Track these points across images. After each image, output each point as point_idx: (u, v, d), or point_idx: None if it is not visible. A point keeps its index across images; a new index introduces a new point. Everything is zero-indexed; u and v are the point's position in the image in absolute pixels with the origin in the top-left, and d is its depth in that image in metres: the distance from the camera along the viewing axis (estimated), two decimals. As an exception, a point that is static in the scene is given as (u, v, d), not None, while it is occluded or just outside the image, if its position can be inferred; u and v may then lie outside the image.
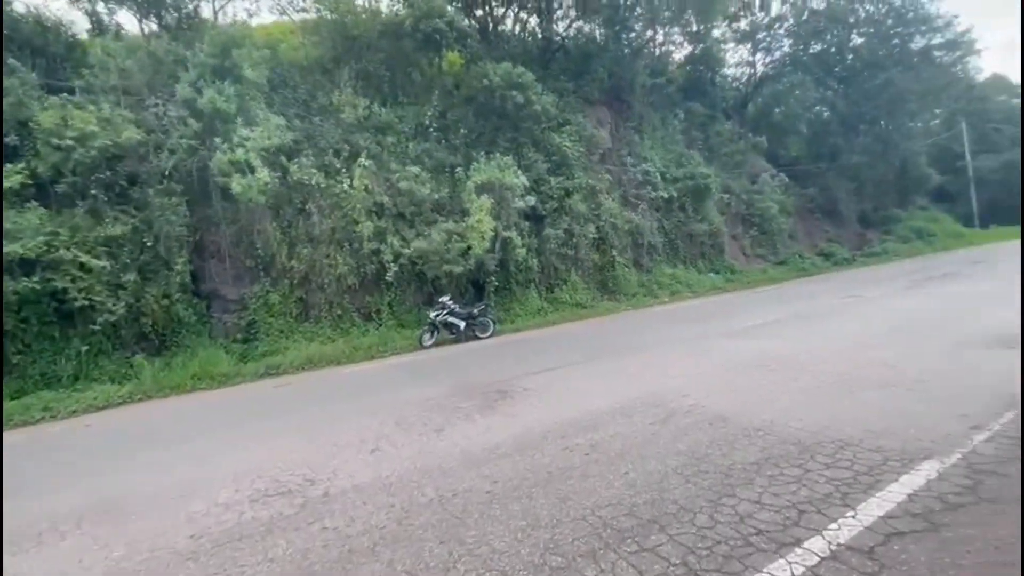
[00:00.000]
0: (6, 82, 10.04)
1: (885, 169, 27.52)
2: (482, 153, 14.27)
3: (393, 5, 15.81)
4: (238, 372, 10.02)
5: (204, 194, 11.25)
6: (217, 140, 10.77)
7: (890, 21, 26.33)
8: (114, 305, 9.73)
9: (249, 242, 11.67)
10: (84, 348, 9.66)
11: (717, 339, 8.08)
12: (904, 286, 12.17)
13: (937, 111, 33.06)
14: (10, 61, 10.56)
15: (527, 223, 14.57)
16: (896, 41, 26.65)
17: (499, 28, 19.02)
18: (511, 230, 13.52)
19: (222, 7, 15.10)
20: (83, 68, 11.05)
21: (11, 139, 9.94)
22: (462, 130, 14.91)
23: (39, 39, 12.15)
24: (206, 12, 14.83)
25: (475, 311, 11.66)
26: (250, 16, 15.84)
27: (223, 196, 11.07)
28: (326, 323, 11.95)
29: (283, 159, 11.93)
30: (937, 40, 27.29)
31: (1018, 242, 23.96)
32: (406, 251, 12.25)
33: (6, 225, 8.99)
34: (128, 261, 10.17)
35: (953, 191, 32.95)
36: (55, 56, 12.15)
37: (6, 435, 7.52)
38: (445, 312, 11.31)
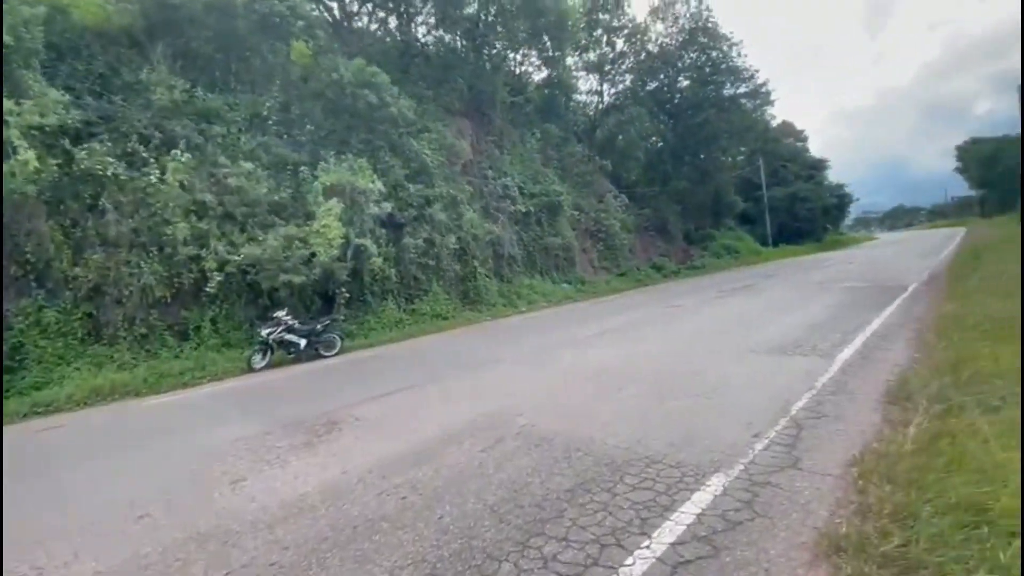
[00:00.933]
0: None
1: (703, 195, 32.28)
2: (332, 153, 13.22)
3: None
4: (-14, 413, 7.69)
5: (-64, 180, 8.53)
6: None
7: (708, 69, 31.01)
8: None
9: (14, 244, 9.15)
10: None
11: (559, 349, 8.39)
12: (713, 296, 14.13)
13: (742, 148, 39.80)
14: None
15: (384, 231, 13.85)
16: (712, 87, 31.50)
17: (354, 24, 18.00)
18: (365, 237, 12.69)
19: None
20: None
21: None
22: (309, 126, 13.67)
23: None
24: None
25: (319, 327, 10.60)
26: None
27: (-31, 184, 8.50)
28: (124, 345, 9.86)
29: (66, 143, 9.64)
30: (743, 89, 32.95)
31: (797, 258, 29.98)
32: (235, 258, 10.68)
33: None
34: None
35: (753, 215, 39.91)
36: None
37: None
38: (281, 329, 10.07)
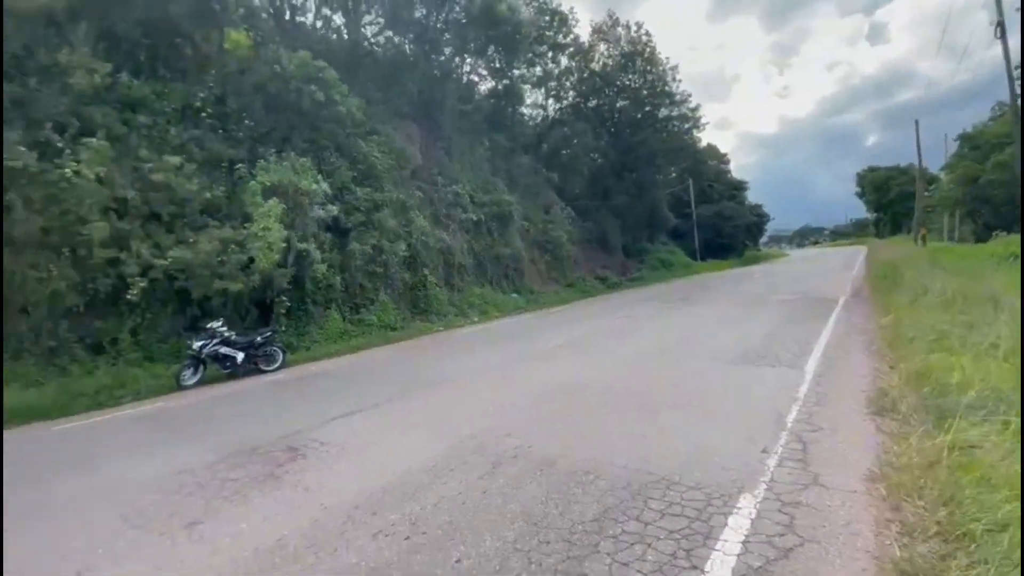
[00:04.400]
0: None
1: (641, 209, 33.69)
2: (272, 151, 12.30)
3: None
4: None
5: None
6: None
7: (645, 92, 32.56)
8: None
9: None
10: None
11: (525, 363, 8.19)
12: (661, 307, 14.60)
13: (674, 168, 42.12)
14: None
15: (329, 235, 13.04)
16: (649, 108, 33.11)
17: (297, 18, 17.03)
18: (308, 242, 11.86)
19: None
20: None
21: None
22: (247, 121, 12.62)
23: None
24: None
25: (258, 339, 9.67)
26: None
27: None
28: (30, 360, 8.48)
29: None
30: (676, 112, 34.92)
31: (723, 271, 32.02)
32: (160, 262, 9.54)
33: None
34: None
35: (683, 231, 42.24)
36: None
37: None
38: (216, 341, 9.06)
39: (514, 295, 19.87)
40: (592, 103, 31.92)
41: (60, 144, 9.32)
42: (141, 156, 10.15)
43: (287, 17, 16.41)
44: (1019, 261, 12.48)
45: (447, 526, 2.94)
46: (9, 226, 8.53)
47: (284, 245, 11.13)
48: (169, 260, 9.54)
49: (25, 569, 3.00)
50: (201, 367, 8.90)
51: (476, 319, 16.03)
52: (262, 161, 11.71)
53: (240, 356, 9.22)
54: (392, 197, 15.16)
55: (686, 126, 36.69)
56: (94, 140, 9.36)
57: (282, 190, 11.59)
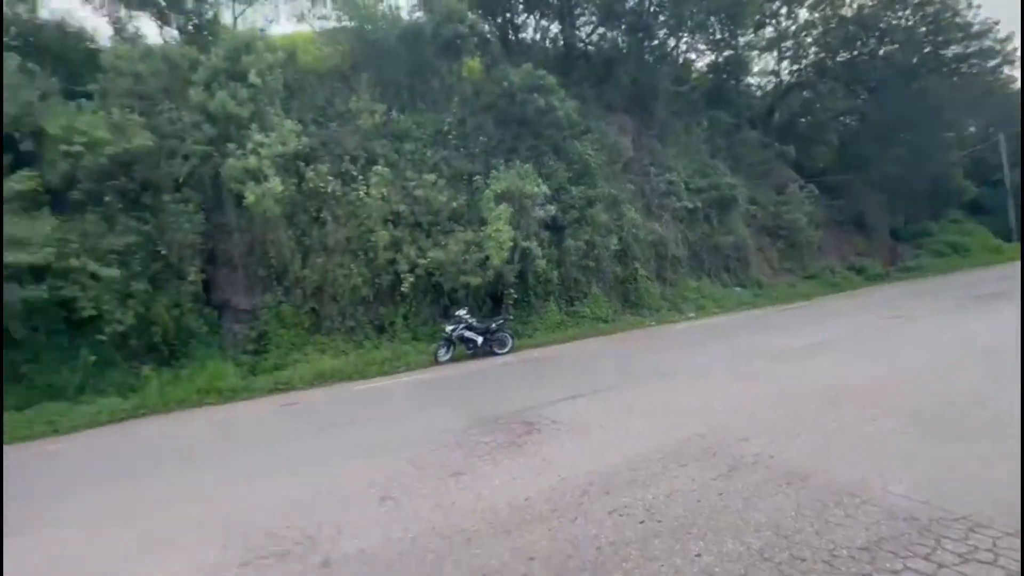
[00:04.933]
0: (24, 84, 9.81)
1: (918, 181, 26.28)
2: (501, 161, 13.81)
3: (413, 11, 15.53)
4: (246, 387, 9.58)
5: (217, 201, 10.92)
6: (231, 146, 10.44)
7: (923, 29, 25.33)
8: (123, 314, 9.39)
9: (262, 251, 11.28)
10: (92, 359, 9.28)
11: (761, 362, 7.37)
12: (951, 305, 11.28)
13: (972, 121, 31.74)
14: (29, 66, 10.37)
15: (547, 233, 14.02)
16: (929, 49, 25.63)
17: (519, 35, 18.65)
18: (531, 240, 12.97)
19: (241, 13, 14.96)
20: (98, 74, 10.83)
21: (26, 145, 9.73)
22: (481, 137, 14.47)
23: (59, 45, 12.07)
24: (227, 18, 14.71)
25: (493, 325, 11.09)
26: (269, 22, 15.66)
27: (237, 203, 10.70)
28: (339, 336, 11.49)
29: (300, 164, 11.58)
30: (973, 48, 26.19)
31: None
32: (422, 261, 11.77)
33: (16, 232, 8.68)
34: (139, 269, 9.87)
35: (989, 204, 31.47)
36: (76, 62, 12.02)
37: (10, 449, 7.15)
38: (462, 326, 10.75)
39: (737, 289, 18.02)
40: (842, 56, 26.30)
41: (355, 172, 12.31)
42: (408, 176, 12.65)
43: (511, 37, 18.14)
44: None
45: (682, 519, 2.93)
46: (323, 236, 11.67)
47: (511, 244, 12.43)
48: (428, 260, 11.69)
49: (344, 486, 4.12)
50: (452, 347, 10.67)
51: (692, 314, 15.12)
52: (494, 171, 13.27)
53: (479, 340, 10.73)
54: (604, 192, 15.40)
55: (990, 63, 27.18)
56: (379, 167, 12.07)
57: (509, 195, 12.95)
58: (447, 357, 10.56)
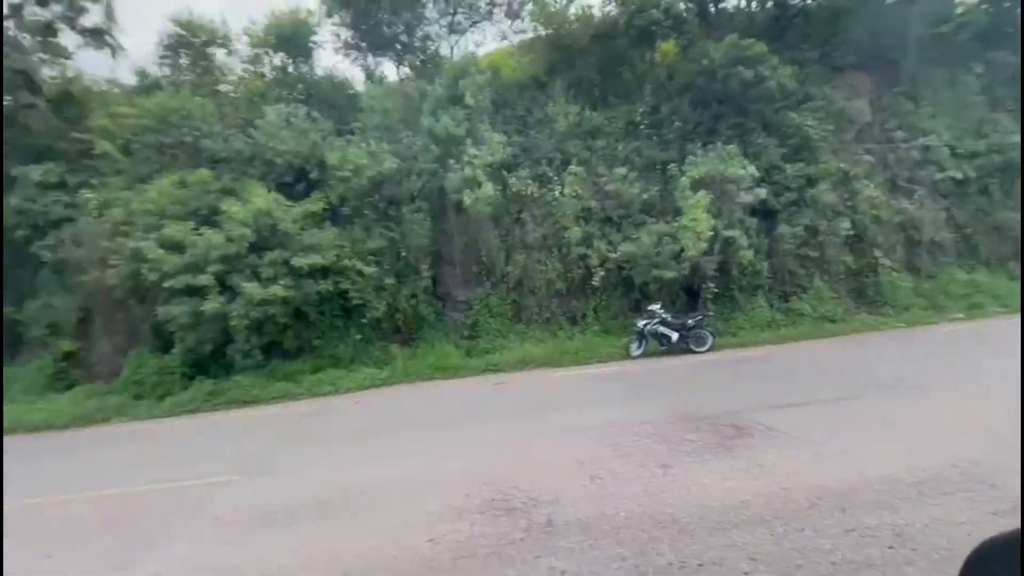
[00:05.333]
0: (310, 128, 13.02)
1: None
2: (699, 145, 12.97)
3: (605, 6, 15.62)
4: (464, 366, 11.12)
5: (442, 209, 12.84)
6: (451, 161, 12.16)
7: None
8: (378, 303, 11.79)
9: (475, 250, 12.87)
10: (358, 337, 11.93)
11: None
12: None
13: None
14: (313, 113, 13.70)
15: (754, 220, 12.66)
16: None
17: (720, 5, 17.11)
18: (734, 228, 11.91)
19: (455, 43, 17.15)
20: (358, 113, 13.74)
21: (314, 174, 12.93)
22: (676, 123, 13.82)
23: (331, 94, 15.65)
24: (444, 50, 17.06)
25: (690, 321, 10.59)
26: (477, 47, 17.55)
27: (456, 210, 12.45)
28: (536, 325, 12.42)
29: (504, 173, 12.82)
30: None
31: None
32: (613, 255, 11.89)
33: (312, 241, 11.62)
34: (388, 267, 12.23)
35: None
36: (342, 106, 15.48)
37: (307, 402, 9.81)
38: (656, 321, 10.54)
39: (1035, 281, 13.47)
40: None
41: (551, 174, 13.05)
42: (599, 173, 12.89)
43: (711, 10, 16.78)
44: None
45: (945, 551, 2.49)
46: (524, 235, 12.67)
47: (711, 234, 11.65)
48: (619, 253, 11.76)
49: (556, 461, 4.52)
50: (644, 342, 10.57)
51: (959, 315, 11.91)
52: (691, 157, 12.57)
53: (675, 336, 10.38)
54: (830, 168, 13.18)
55: None
56: (572, 167, 12.60)
57: (708, 181, 12.13)
58: (639, 352, 10.50)
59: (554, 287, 12.41)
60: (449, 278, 13.11)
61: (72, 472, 6.71)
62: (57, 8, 14.74)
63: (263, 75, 15.61)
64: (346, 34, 15.53)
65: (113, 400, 10.12)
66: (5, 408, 9.88)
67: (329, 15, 15.05)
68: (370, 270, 11.55)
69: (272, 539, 3.65)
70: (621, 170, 12.73)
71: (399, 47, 15.99)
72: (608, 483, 3.90)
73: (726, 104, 13.25)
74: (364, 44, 15.75)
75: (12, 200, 11.79)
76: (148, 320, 10.77)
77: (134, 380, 10.53)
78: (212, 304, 9.78)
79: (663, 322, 10.58)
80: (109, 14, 15.40)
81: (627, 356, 10.56)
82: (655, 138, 13.78)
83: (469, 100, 12.37)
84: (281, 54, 15.44)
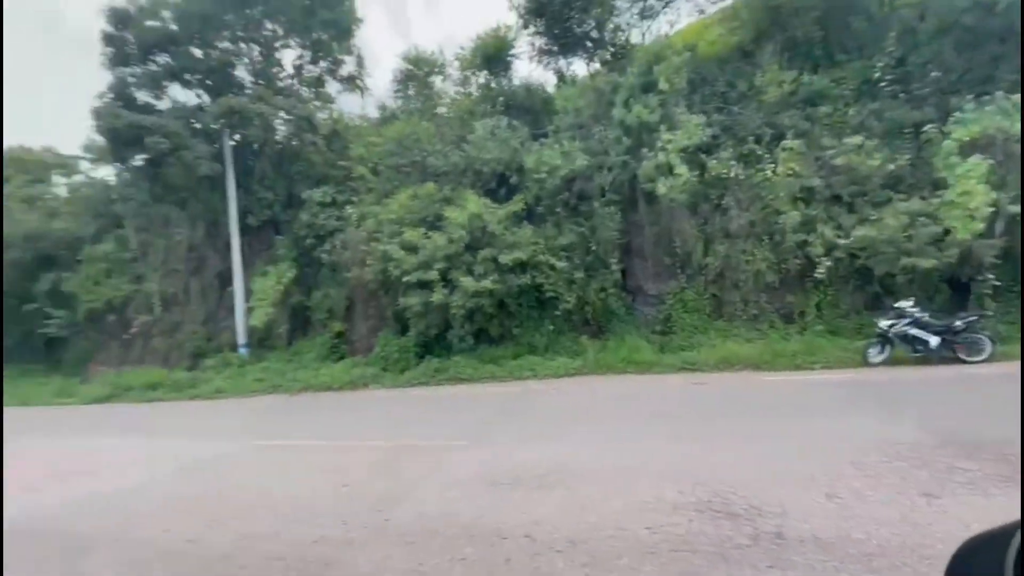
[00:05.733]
0: (511, 136, 14.16)
1: None
2: (969, 99, 10.12)
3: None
4: (658, 361, 10.85)
5: (632, 201, 12.69)
6: (644, 151, 11.90)
7: None
8: (568, 296, 12.30)
9: (668, 241, 12.38)
10: (551, 328, 12.64)
11: None
12: None
13: None
14: (513, 122, 14.84)
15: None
16: None
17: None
18: None
19: (647, 28, 16.60)
20: (552, 115, 14.42)
21: (514, 178, 14.04)
22: (933, 73, 11.02)
23: (527, 101, 16.72)
24: (636, 38, 16.66)
25: (958, 323, 8.39)
26: (671, 26, 16.67)
27: (647, 200, 12.16)
28: (740, 322, 11.38)
29: (702, 156, 12.02)
30: None
31: None
32: (842, 241, 10.10)
33: (512, 239, 12.70)
34: (578, 262, 12.63)
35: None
36: (537, 111, 16.43)
37: (510, 384, 10.82)
38: (906, 322, 8.62)
39: None
40: None
41: (760, 152, 11.69)
42: (823, 144, 11.06)
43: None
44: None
45: None
46: (726, 223, 11.62)
47: (990, 210, 9.05)
48: (851, 239, 9.94)
49: (781, 475, 4.12)
50: (888, 346, 8.77)
51: None
52: (956, 114, 9.93)
53: (934, 340, 8.37)
54: None
55: None
56: (787, 141, 11.09)
57: (985, 143, 9.44)
58: (881, 358, 8.75)
59: (763, 280, 11.18)
60: (640, 271, 12.89)
61: (347, 424, 8.87)
62: (324, 64, 19.04)
63: (470, 94, 17.55)
64: (540, 41, 16.38)
65: (369, 371, 12.75)
66: (304, 372, 13.39)
67: (525, 27, 16.07)
68: (561, 264, 12.09)
69: (500, 500, 4.21)
70: (855, 139, 10.72)
71: (589, 44, 16.21)
72: (851, 503, 3.43)
73: (1006, 43, 10.05)
74: (556, 48, 16.39)
75: (303, 216, 15.71)
76: (392, 308, 13.21)
77: (382, 356, 13.08)
78: (437, 295, 11.52)
79: (917, 323, 8.63)
80: (359, 63, 19.28)
81: (863, 362, 8.93)
82: (902, 96, 11.25)
83: (663, 85, 11.93)
84: (484, 72, 17.13)
